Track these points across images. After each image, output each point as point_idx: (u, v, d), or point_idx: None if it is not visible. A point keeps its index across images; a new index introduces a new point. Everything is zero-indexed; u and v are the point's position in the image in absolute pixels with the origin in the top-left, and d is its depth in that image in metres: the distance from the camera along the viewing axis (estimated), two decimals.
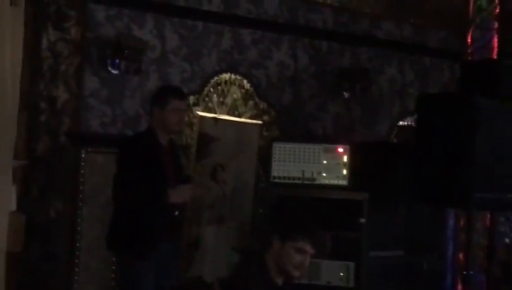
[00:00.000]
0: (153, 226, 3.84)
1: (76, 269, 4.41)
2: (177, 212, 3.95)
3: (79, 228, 4.43)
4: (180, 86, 4.57)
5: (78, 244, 4.42)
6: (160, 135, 4.03)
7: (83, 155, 4.43)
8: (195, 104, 5.06)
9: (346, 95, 5.72)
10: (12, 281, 4.05)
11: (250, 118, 5.38)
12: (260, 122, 5.41)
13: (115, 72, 4.55)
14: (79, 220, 4.44)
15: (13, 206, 3.93)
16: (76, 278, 4.41)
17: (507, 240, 5.97)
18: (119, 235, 3.94)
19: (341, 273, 4.43)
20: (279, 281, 3.14)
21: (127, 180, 3.85)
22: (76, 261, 4.41)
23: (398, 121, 6.15)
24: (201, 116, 5.03)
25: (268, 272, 3.10)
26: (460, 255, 5.58)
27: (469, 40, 5.39)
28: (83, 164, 4.43)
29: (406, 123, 6.14)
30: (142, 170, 3.85)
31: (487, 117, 4.16)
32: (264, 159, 5.09)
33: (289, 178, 4.58)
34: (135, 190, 3.82)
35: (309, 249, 3.07)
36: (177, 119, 4.03)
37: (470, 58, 5.37)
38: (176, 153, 4.24)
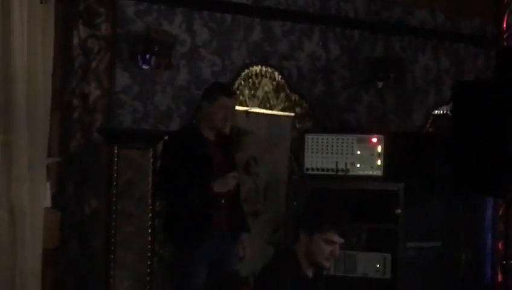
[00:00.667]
0: (201, 216, 4.00)
1: (112, 265, 4.42)
2: (223, 201, 4.06)
3: (113, 224, 4.44)
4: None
5: (113, 240, 4.43)
6: (204, 130, 4.18)
7: (116, 151, 4.42)
8: None
9: (379, 84, 5.63)
10: (48, 277, 4.08)
11: (282, 110, 5.34)
12: (292, 114, 5.37)
13: (145, 67, 4.55)
14: (113, 215, 4.44)
15: (48, 203, 3.96)
16: (112, 273, 4.42)
17: None
18: (172, 227, 4.14)
19: (377, 265, 4.37)
20: (310, 273, 3.15)
21: (170, 173, 4.04)
22: (112, 256, 4.42)
23: (433, 110, 6.05)
24: None
25: (299, 264, 3.11)
26: (500, 245, 5.49)
27: (504, 26, 5.28)
28: (116, 159, 4.42)
29: (441, 112, 6.04)
30: (186, 163, 4.01)
31: None
32: (297, 151, 5.06)
33: (322, 170, 4.53)
34: (180, 182, 4.00)
35: (337, 239, 3.08)
36: (222, 116, 4.16)
37: (505, 43, 5.27)
38: (226, 147, 4.33)
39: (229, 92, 4.31)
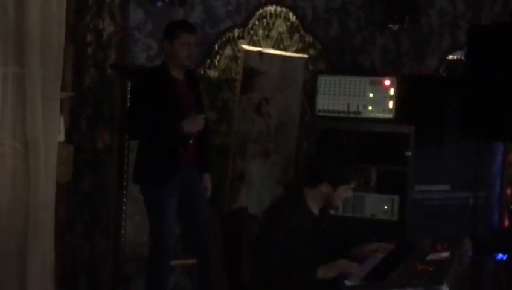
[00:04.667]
0: (169, 156, 4.01)
1: (125, 200, 4.51)
2: (191, 141, 4.08)
3: (126, 160, 4.50)
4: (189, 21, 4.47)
5: (125, 176, 4.49)
6: (172, 69, 4.12)
7: (129, 88, 4.45)
8: (240, 38, 5.01)
9: (394, 27, 5.58)
10: (61, 210, 4.16)
11: (295, 51, 5.31)
12: (306, 56, 5.34)
13: (159, 4, 4.52)
14: (126, 152, 4.50)
15: (62, 137, 4.01)
16: (124, 208, 4.51)
17: None
18: (141, 167, 4.13)
19: (385, 207, 4.42)
20: (316, 210, 3.23)
21: (138, 112, 4.01)
22: (124, 191, 4.50)
23: (447, 55, 6.01)
24: (246, 49, 4.99)
25: (305, 202, 3.18)
26: (508, 191, 5.52)
27: None
28: (129, 96, 4.45)
29: (456, 57, 5.99)
30: (154, 102, 3.98)
31: None
32: (310, 93, 5.05)
33: (334, 111, 4.53)
34: (147, 121, 3.98)
35: (354, 184, 3.25)
36: (186, 53, 4.09)
37: None
38: (195, 86, 4.29)
39: (190, 28, 4.16)
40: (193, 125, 4.04)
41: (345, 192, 3.22)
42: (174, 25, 4.19)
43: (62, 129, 4.01)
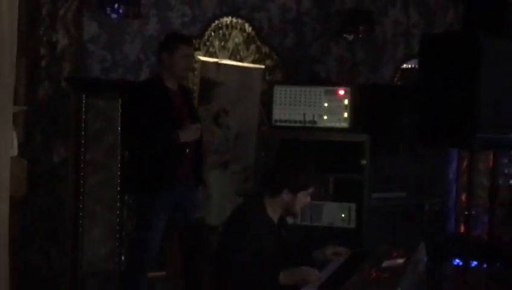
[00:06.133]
0: (166, 166, 4.04)
1: (81, 214, 4.45)
2: (187, 150, 4.11)
3: (82, 174, 4.45)
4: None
5: (82, 190, 4.44)
6: (167, 80, 4.17)
7: (84, 101, 4.41)
8: (197, 49, 5.01)
9: (349, 37, 5.65)
10: (16, 226, 4.08)
11: (252, 62, 5.34)
12: (262, 66, 5.37)
13: (114, 16, 4.50)
14: (82, 165, 4.45)
15: (15, 152, 3.94)
16: (81, 222, 4.45)
17: (511, 182, 5.98)
18: (134, 177, 4.15)
19: (342, 215, 4.45)
20: (275, 219, 3.25)
21: (135, 124, 4.06)
22: (80, 206, 4.45)
23: (402, 64, 6.11)
24: (203, 61, 5.00)
25: (264, 211, 3.19)
26: (463, 196, 5.61)
27: None
28: (84, 109, 4.41)
29: (410, 66, 6.08)
30: (151, 114, 4.02)
31: (491, 56, 4.12)
32: (267, 103, 5.08)
33: (290, 121, 4.55)
34: (144, 133, 4.01)
35: (312, 190, 3.27)
36: (185, 65, 4.18)
37: None
38: (188, 97, 4.37)
39: (188, 40, 4.30)
40: (189, 134, 4.09)
41: (304, 198, 3.25)
42: (174, 38, 4.29)
43: (15, 143, 3.93)
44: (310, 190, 3.26)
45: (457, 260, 5.03)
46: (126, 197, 4.57)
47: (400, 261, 3.14)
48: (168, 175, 4.06)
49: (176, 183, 4.10)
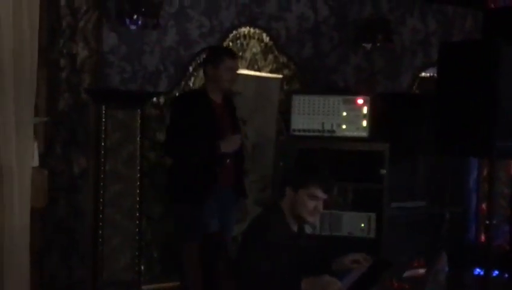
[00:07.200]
0: (207, 174, 4.12)
1: (101, 224, 4.47)
2: (228, 161, 4.19)
3: (102, 183, 4.47)
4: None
5: (101, 200, 4.47)
6: (212, 92, 4.26)
7: (104, 111, 4.45)
8: None
9: (367, 46, 5.65)
10: (37, 236, 4.11)
11: (270, 72, 5.35)
12: (280, 76, 5.38)
13: (133, 27, 4.53)
14: (102, 175, 4.48)
15: (36, 162, 3.97)
16: (101, 232, 4.47)
17: None
18: (177, 186, 4.22)
19: (362, 225, 4.43)
20: (295, 227, 3.23)
21: (179, 134, 4.14)
22: (100, 216, 4.47)
23: (420, 72, 6.08)
24: None
25: (284, 218, 3.18)
26: (483, 205, 5.57)
27: None
28: (104, 120, 4.45)
29: (428, 74, 6.06)
30: (194, 124, 4.12)
31: (510, 64, 4.09)
32: (285, 112, 5.08)
33: (309, 130, 4.55)
34: (187, 143, 4.10)
35: (321, 194, 3.16)
36: (229, 77, 4.25)
37: (492, 5, 5.26)
38: (231, 110, 4.44)
39: (233, 53, 4.38)
40: (230, 145, 4.17)
41: (307, 198, 3.14)
42: (218, 51, 4.44)
43: (36, 154, 3.97)
44: (312, 190, 3.13)
45: (478, 270, 4.99)
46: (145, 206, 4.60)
47: (421, 271, 3.12)
48: (209, 185, 4.13)
49: (217, 193, 4.15)
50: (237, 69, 4.39)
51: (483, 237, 5.64)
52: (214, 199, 4.15)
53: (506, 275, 4.96)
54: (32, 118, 3.80)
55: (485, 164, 5.60)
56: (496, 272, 4.93)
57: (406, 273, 3.09)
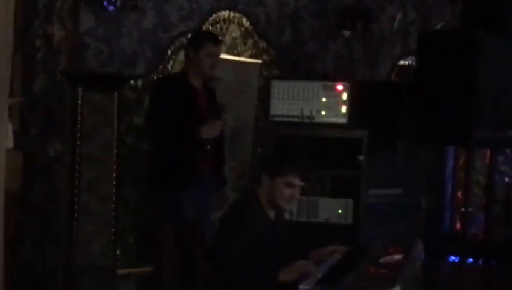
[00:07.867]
0: (187, 160, 4.09)
1: (77, 208, 4.42)
2: (208, 146, 4.15)
3: (78, 168, 4.42)
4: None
5: (77, 184, 4.41)
6: (192, 77, 4.22)
7: (80, 94, 4.39)
8: None
9: (347, 34, 5.64)
10: (11, 219, 4.06)
11: (249, 57, 5.32)
12: (260, 61, 5.35)
13: (111, 8, 4.47)
14: (78, 159, 4.42)
15: (10, 144, 3.92)
16: (76, 217, 4.43)
17: (507, 179, 5.98)
18: (158, 173, 4.19)
19: (339, 211, 4.44)
20: (272, 215, 3.22)
21: (158, 119, 4.09)
22: (76, 200, 4.42)
23: (399, 61, 6.10)
24: None
25: (261, 206, 3.17)
26: (459, 194, 5.61)
27: None
28: (80, 102, 4.39)
29: (407, 63, 6.07)
30: (174, 109, 4.07)
31: (489, 53, 4.10)
32: (264, 99, 5.06)
33: (288, 116, 4.53)
34: (166, 127, 4.06)
35: (298, 182, 3.15)
36: (210, 63, 4.19)
37: None
38: (212, 95, 4.40)
39: (216, 39, 4.31)
40: (210, 131, 4.13)
41: (283, 187, 3.12)
42: (201, 35, 4.37)
43: (11, 135, 3.92)
44: (290, 179, 3.11)
45: (453, 257, 5.03)
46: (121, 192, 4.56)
47: (397, 257, 3.13)
48: (189, 170, 4.09)
49: (198, 181, 4.12)
50: (219, 55, 4.34)
51: (458, 225, 5.69)
52: (194, 186, 4.13)
53: (481, 263, 5.00)
54: (7, 99, 3.75)
55: (462, 152, 5.64)
56: (471, 260, 4.98)
57: (382, 259, 3.09)
